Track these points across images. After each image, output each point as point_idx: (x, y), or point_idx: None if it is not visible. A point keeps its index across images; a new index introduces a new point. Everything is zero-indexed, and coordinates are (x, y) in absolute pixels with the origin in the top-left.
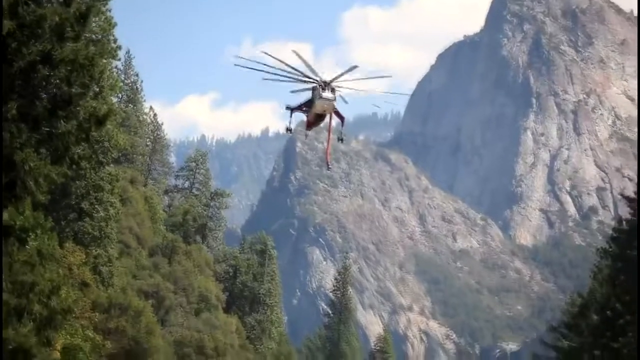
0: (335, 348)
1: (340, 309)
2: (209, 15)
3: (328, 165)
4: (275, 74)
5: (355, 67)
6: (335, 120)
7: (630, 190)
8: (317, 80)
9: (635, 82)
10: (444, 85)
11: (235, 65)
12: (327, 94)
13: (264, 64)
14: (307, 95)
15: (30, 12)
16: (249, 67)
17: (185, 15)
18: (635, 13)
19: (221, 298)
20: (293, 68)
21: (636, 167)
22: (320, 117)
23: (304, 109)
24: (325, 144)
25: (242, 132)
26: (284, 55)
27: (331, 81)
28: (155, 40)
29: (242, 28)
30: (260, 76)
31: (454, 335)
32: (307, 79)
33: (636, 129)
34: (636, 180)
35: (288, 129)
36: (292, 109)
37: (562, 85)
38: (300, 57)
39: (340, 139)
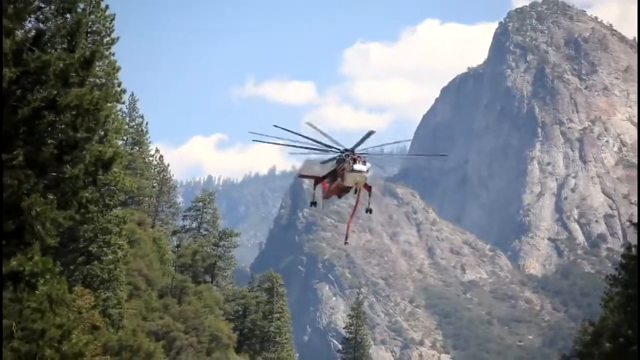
0: None
1: (354, 346)
2: (211, 55)
3: (347, 238)
4: (300, 146)
5: (372, 132)
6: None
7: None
8: (340, 150)
9: None
10: (449, 118)
11: (253, 140)
12: (359, 166)
13: (277, 137)
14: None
15: (35, 59)
16: (265, 141)
17: (187, 56)
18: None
19: (233, 337)
20: (309, 138)
21: None
22: (347, 190)
23: (327, 180)
24: (350, 216)
25: (248, 172)
26: (289, 97)
27: (353, 149)
28: (158, 81)
29: (245, 68)
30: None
31: None
32: (329, 149)
33: None
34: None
35: (312, 203)
36: (315, 181)
37: (566, 113)
38: (315, 127)
39: (368, 210)
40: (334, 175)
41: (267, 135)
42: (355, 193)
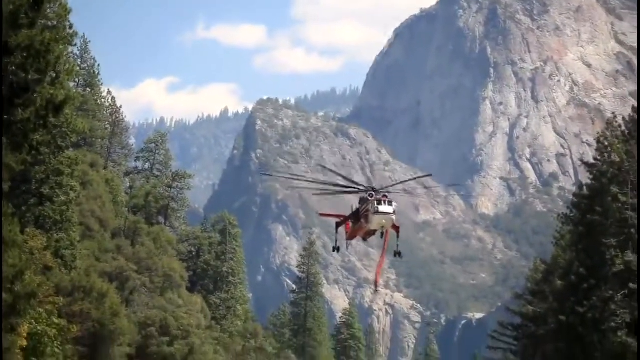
0: (301, 324)
1: (307, 285)
2: None
3: (377, 285)
4: (322, 188)
5: (428, 175)
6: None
7: (590, 156)
8: (362, 189)
9: (592, 48)
10: (402, 59)
11: (262, 173)
12: (384, 207)
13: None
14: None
15: None
16: (280, 176)
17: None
18: None
19: (185, 276)
20: (343, 176)
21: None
22: (372, 232)
23: (351, 221)
24: (379, 262)
25: (200, 114)
26: (240, 40)
27: (381, 190)
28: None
29: (195, 10)
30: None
31: (420, 307)
32: (352, 188)
33: (594, 95)
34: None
35: (335, 249)
36: (337, 224)
37: (519, 53)
38: (331, 170)
39: (398, 253)
40: (357, 216)
41: (277, 173)
42: (382, 237)
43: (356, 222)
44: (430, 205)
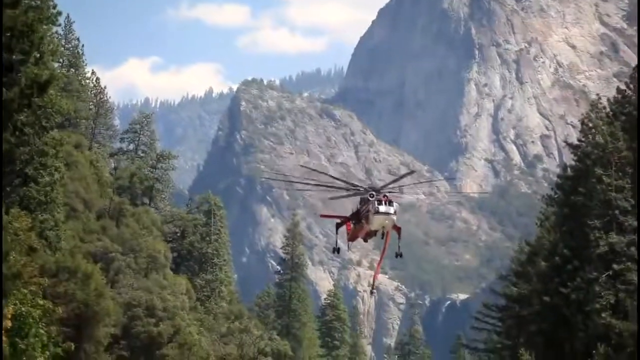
0: (286, 305)
1: (291, 266)
2: None
3: (373, 289)
4: (322, 185)
5: (412, 172)
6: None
7: (574, 138)
8: (363, 189)
9: (576, 29)
10: (386, 40)
11: (264, 178)
12: (385, 207)
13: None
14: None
15: None
16: (279, 179)
17: None
18: None
19: (169, 257)
20: (333, 177)
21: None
22: (373, 233)
23: (351, 221)
24: (377, 264)
25: (185, 94)
26: (224, 20)
27: (381, 189)
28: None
29: None
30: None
31: (404, 288)
32: (353, 188)
33: (579, 76)
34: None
35: (335, 249)
36: (337, 225)
37: (503, 35)
38: (332, 176)
39: (399, 255)
40: (357, 216)
41: (279, 174)
42: (383, 237)
43: (357, 223)
44: (414, 185)
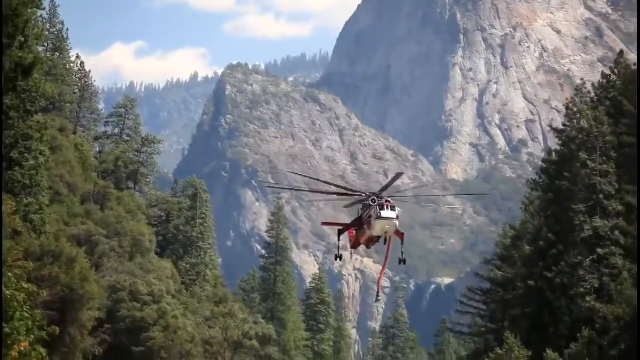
0: (271, 288)
1: (276, 250)
2: None
3: (378, 295)
4: (320, 192)
5: (401, 174)
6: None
7: (559, 122)
8: (364, 194)
9: (561, 14)
10: (372, 24)
11: (265, 186)
12: (387, 212)
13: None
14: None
15: None
16: (279, 186)
17: None
18: None
19: (153, 241)
20: (330, 184)
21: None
22: (376, 239)
23: (354, 228)
24: (381, 270)
25: (170, 79)
26: (208, 5)
27: (380, 193)
28: None
29: None
30: None
31: (389, 272)
32: (353, 194)
33: (563, 61)
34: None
35: (338, 257)
36: (339, 232)
37: (488, 20)
38: (332, 184)
39: (402, 261)
40: (359, 222)
41: (283, 186)
42: (385, 243)
43: (359, 229)
44: (399, 170)
